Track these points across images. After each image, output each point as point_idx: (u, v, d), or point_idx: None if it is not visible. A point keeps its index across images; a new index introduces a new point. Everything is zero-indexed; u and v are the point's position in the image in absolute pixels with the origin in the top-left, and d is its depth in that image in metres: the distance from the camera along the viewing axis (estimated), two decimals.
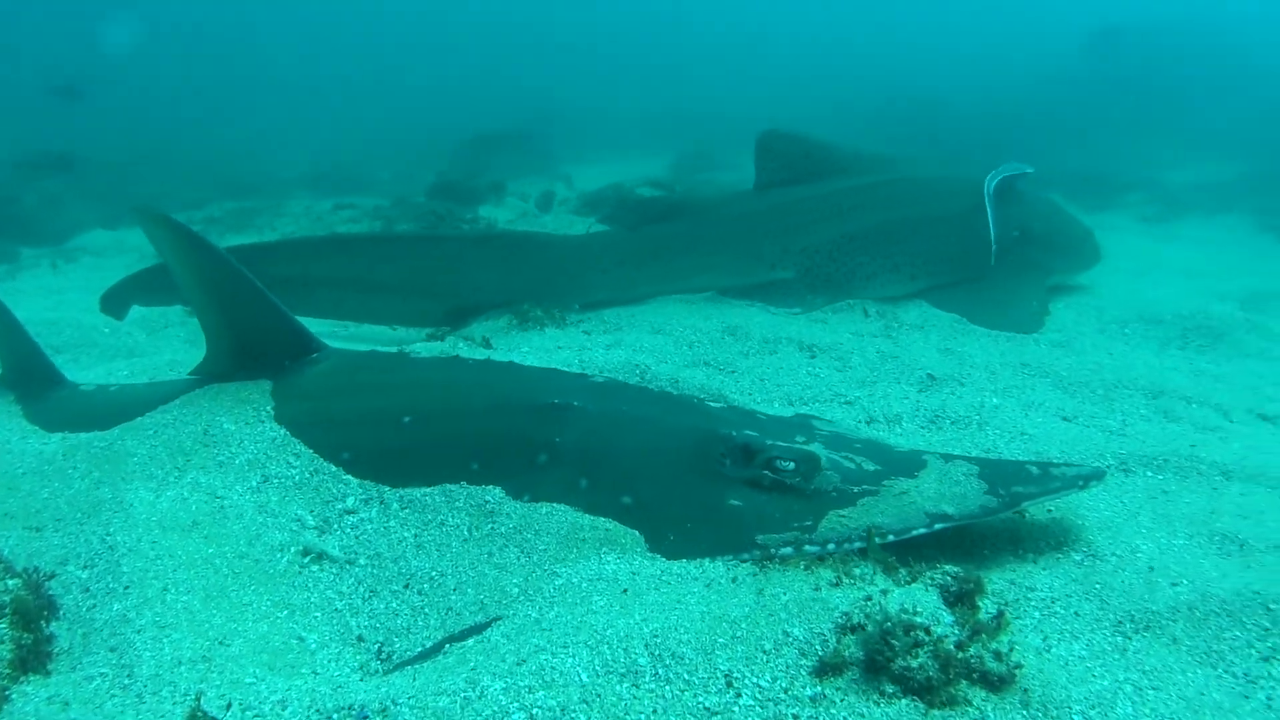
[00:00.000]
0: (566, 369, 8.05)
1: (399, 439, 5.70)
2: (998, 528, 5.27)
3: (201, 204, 21.41)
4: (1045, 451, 6.77)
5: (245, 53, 58.62)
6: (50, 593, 4.69)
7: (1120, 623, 4.51)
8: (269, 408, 6.17)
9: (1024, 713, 3.77)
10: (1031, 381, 8.52)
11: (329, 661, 4.48)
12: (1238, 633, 4.45)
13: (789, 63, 52.65)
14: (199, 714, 3.78)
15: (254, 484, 5.64)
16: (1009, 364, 8.95)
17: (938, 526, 4.72)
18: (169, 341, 10.28)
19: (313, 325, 9.31)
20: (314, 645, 4.59)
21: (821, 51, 55.02)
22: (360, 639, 4.66)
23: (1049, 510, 5.49)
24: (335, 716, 3.81)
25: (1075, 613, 4.59)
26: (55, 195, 20.93)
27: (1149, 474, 6.41)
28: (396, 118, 39.13)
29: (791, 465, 4.94)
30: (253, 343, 6.56)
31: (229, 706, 3.99)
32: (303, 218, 18.44)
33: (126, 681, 4.20)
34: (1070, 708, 3.80)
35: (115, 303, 10.75)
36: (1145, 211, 21.04)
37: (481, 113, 37.05)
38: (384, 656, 4.54)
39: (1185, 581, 4.84)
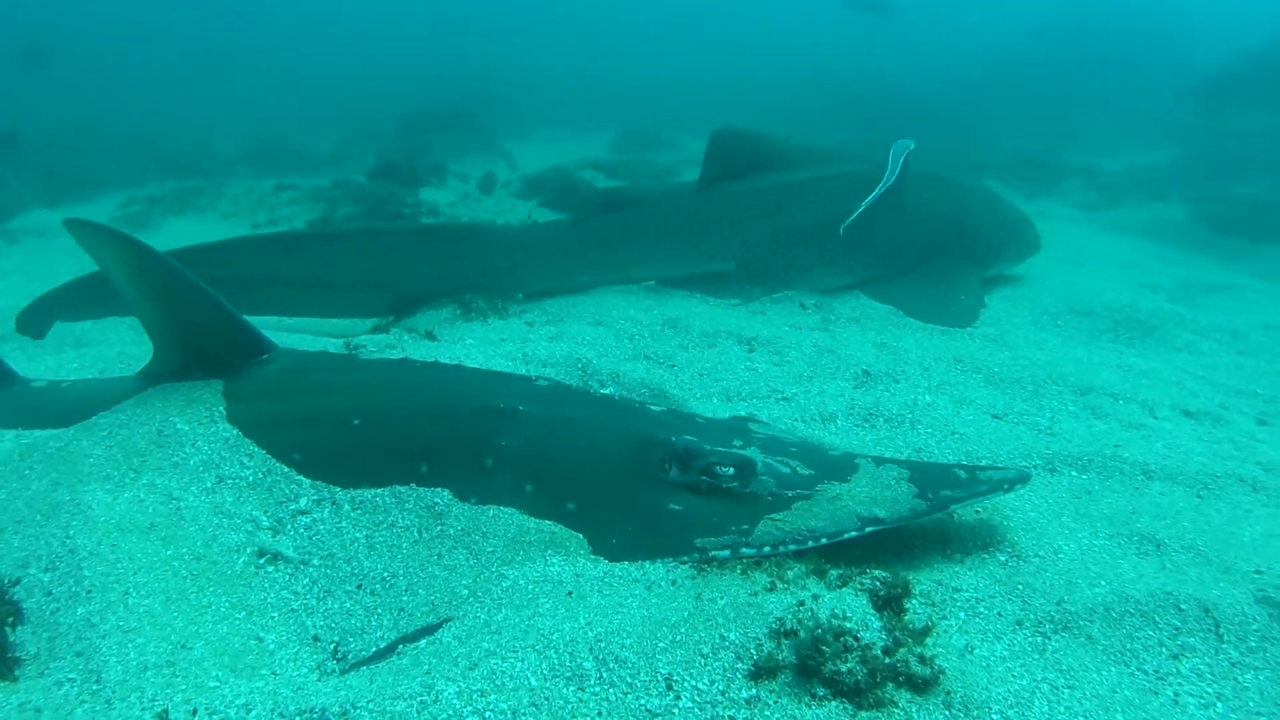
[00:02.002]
0: (510, 361, 8.20)
1: (349, 440, 5.77)
2: (927, 528, 5.44)
3: (142, 182, 21.28)
4: (975, 451, 6.95)
5: (183, 22, 58.09)
6: (15, 597, 4.73)
7: (1040, 623, 4.69)
8: (221, 408, 6.20)
9: (946, 713, 3.95)
10: (964, 378, 8.69)
11: (287, 662, 4.59)
12: (1150, 632, 4.66)
13: (735, 40, 52.76)
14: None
15: (209, 485, 5.68)
16: (943, 359, 9.10)
17: (869, 530, 4.88)
18: (116, 329, 10.16)
19: (258, 319, 9.47)
20: (272, 645, 4.68)
21: (768, 29, 55.05)
22: (316, 639, 4.77)
23: (977, 511, 5.67)
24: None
25: (998, 613, 4.77)
26: None
27: (1074, 473, 6.61)
28: (336, 86, 38.97)
29: (730, 470, 5.09)
30: (203, 343, 6.57)
31: (195, 713, 4.10)
32: (244, 199, 18.28)
33: (95, 688, 4.27)
34: (990, 707, 3.98)
35: (34, 321, 10.29)
36: (1083, 198, 21.28)
37: (422, 82, 37.03)
38: (340, 656, 4.65)
39: (1104, 582, 5.03)
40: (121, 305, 7.37)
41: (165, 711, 4.00)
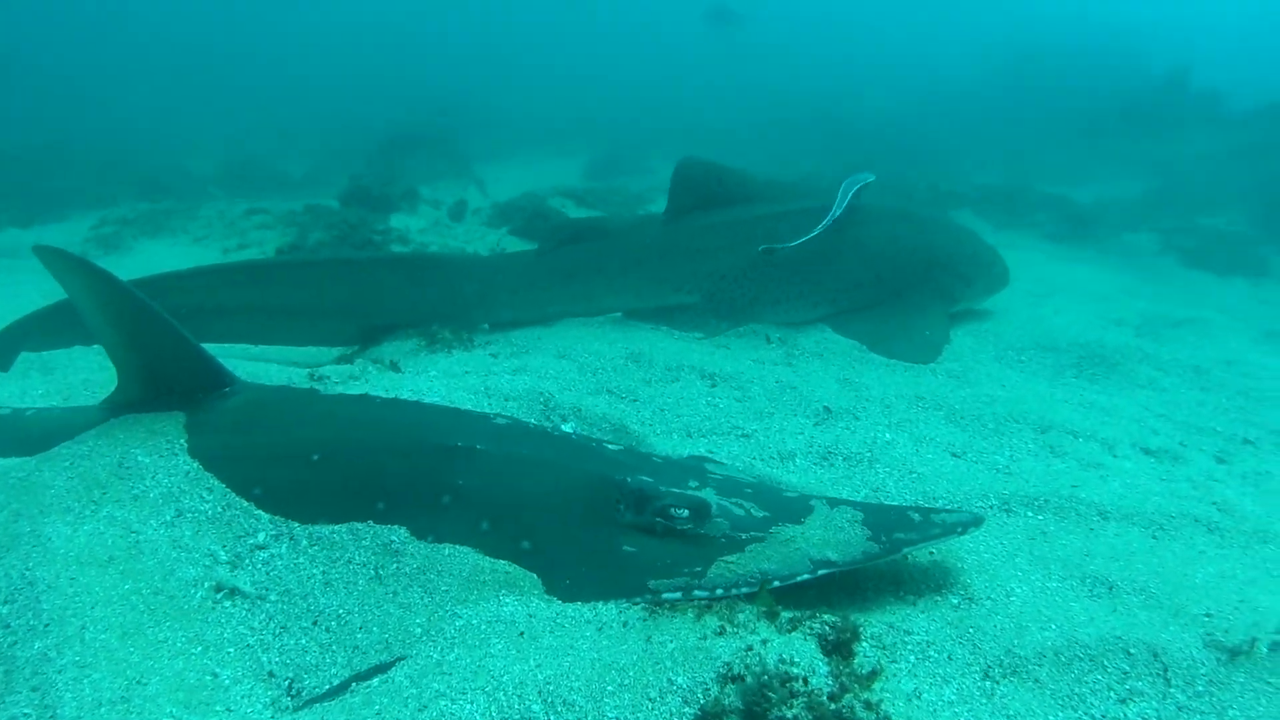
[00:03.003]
0: (472, 395, 8.21)
1: (308, 476, 5.79)
2: (882, 569, 5.47)
3: (115, 201, 21.25)
4: (932, 490, 6.99)
5: (158, 40, 58.02)
6: None
7: (990, 668, 4.74)
8: (183, 441, 6.21)
9: None
10: (925, 415, 8.73)
11: (242, 698, 4.60)
12: (1099, 676, 4.71)
13: (709, 66, 52.84)
14: None
15: (168, 518, 5.68)
16: (904, 396, 9.14)
17: (821, 573, 4.93)
18: (83, 356, 10.13)
19: (225, 347, 9.45)
20: (227, 681, 4.70)
21: (743, 57, 55.18)
22: (271, 675, 4.78)
23: (931, 552, 5.69)
24: None
25: (949, 656, 4.81)
26: None
27: (1030, 514, 6.64)
28: (312, 107, 38.95)
29: (684, 512, 5.13)
30: (165, 375, 6.58)
31: None
32: (216, 222, 18.30)
33: None
34: None
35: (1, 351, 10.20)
36: (1053, 230, 21.29)
37: (399, 104, 37.02)
38: (294, 693, 4.66)
39: (1054, 625, 5.08)
40: (88, 334, 7.37)
41: None
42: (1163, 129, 30.01)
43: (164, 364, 6.60)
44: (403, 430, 6.12)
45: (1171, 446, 8.44)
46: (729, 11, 47.75)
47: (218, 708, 4.53)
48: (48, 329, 10.18)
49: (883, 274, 11.81)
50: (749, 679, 4.07)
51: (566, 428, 7.12)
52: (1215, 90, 31.39)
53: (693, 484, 5.51)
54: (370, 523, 5.49)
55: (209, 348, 6.74)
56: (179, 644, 4.91)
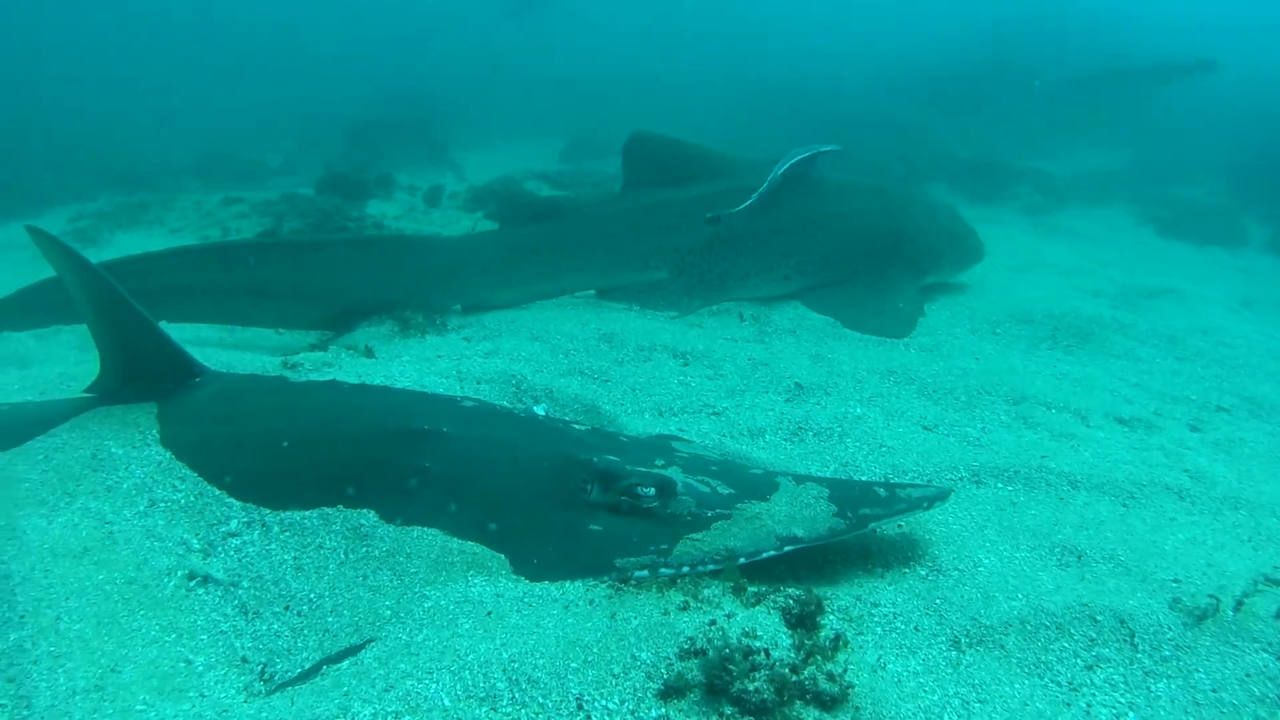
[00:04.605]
0: (444, 379, 8.24)
1: (278, 463, 5.84)
2: (850, 542, 5.50)
3: (92, 195, 21.19)
4: (902, 464, 7.03)
5: (131, 30, 57.82)
6: None
7: (956, 638, 4.79)
8: (155, 431, 6.28)
9: None
10: (897, 389, 8.78)
11: (215, 684, 4.63)
12: (1065, 644, 4.77)
13: (686, 44, 52.76)
14: None
15: (141, 508, 5.73)
16: (876, 371, 9.19)
17: (787, 549, 4.97)
18: (60, 349, 10.15)
19: (201, 331, 9.46)
20: (201, 668, 4.73)
21: (719, 33, 55.11)
22: (244, 660, 4.81)
23: (900, 525, 5.76)
24: None
25: (915, 628, 4.86)
26: None
27: (999, 485, 6.71)
28: (287, 95, 38.82)
29: (650, 490, 5.17)
30: (139, 365, 6.65)
31: None
32: (192, 213, 18.25)
33: (25, 713, 4.31)
34: None
35: None
36: (1031, 203, 21.35)
37: (372, 91, 36.94)
38: (267, 677, 4.69)
39: (1021, 595, 5.14)
40: (70, 313, 7.39)
41: None
42: (1141, 101, 30.09)
43: (136, 353, 6.66)
44: (370, 415, 6.16)
45: (1145, 415, 8.51)
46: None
47: (191, 694, 4.56)
48: (32, 306, 10.47)
49: (852, 248, 11.86)
50: (711, 653, 4.10)
51: (539, 409, 7.14)
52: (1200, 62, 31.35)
53: (659, 462, 5.55)
54: (340, 507, 5.54)
55: (181, 329, 6.77)
56: (153, 632, 4.94)
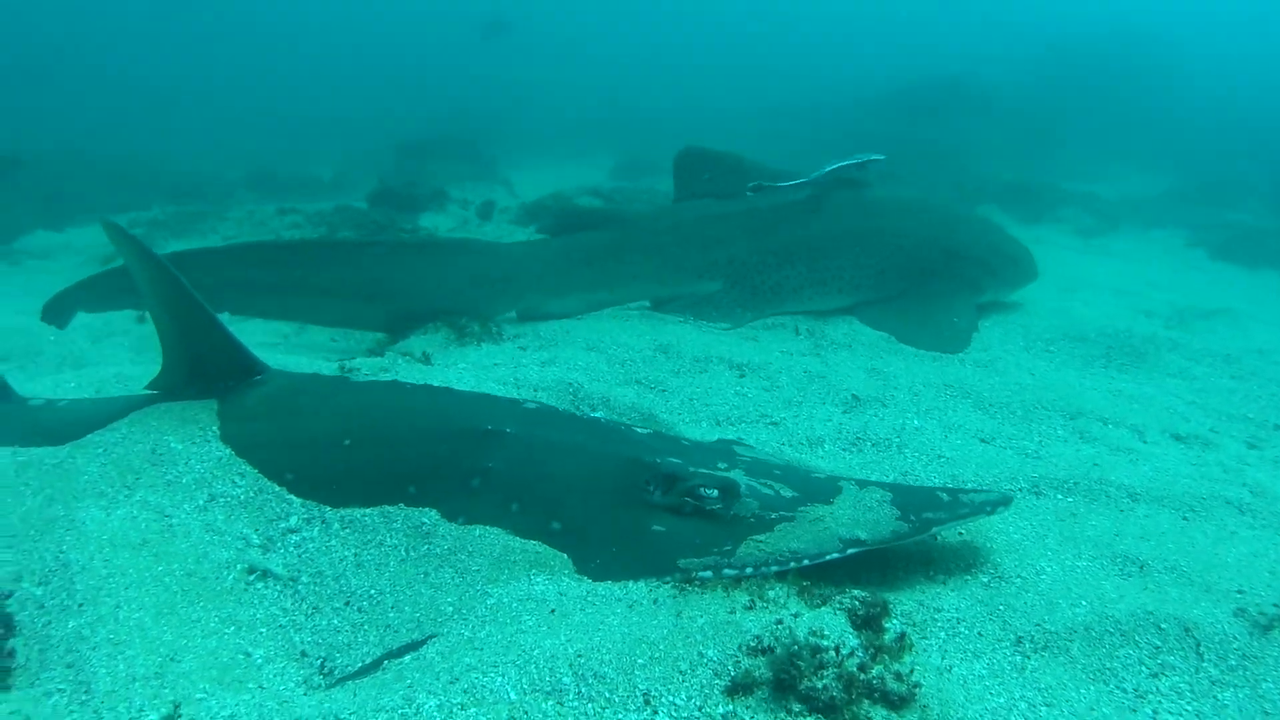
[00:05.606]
0: (502, 386, 8.25)
1: (340, 461, 5.84)
2: (911, 549, 5.49)
3: (146, 205, 21.34)
4: (961, 474, 7.00)
5: (183, 45, 58.30)
6: (8, 610, 4.79)
7: (1020, 642, 4.76)
8: (215, 428, 6.27)
9: None
10: (953, 402, 8.75)
11: (274, 676, 4.63)
12: (1130, 651, 4.72)
13: (738, 64, 52.89)
14: (174, 716, 4.01)
15: (200, 503, 5.73)
16: (932, 385, 9.16)
17: (851, 551, 4.94)
18: (114, 350, 10.28)
19: (257, 335, 9.50)
20: (260, 660, 4.73)
21: (771, 54, 55.22)
22: (304, 654, 4.81)
23: (960, 533, 5.72)
24: None
25: (979, 633, 4.83)
26: None
27: (1059, 496, 6.66)
28: (339, 111, 39.09)
29: (714, 493, 5.15)
30: (202, 362, 6.65)
31: None
32: (245, 222, 18.34)
33: (85, 698, 4.32)
34: None
35: (58, 311, 10.88)
36: (1080, 225, 21.30)
37: (426, 108, 37.14)
38: (326, 671, 4.69)
39: (1084, 602, 5.10)
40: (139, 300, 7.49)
41: (173, 713, 4.07)
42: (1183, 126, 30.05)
43: (200, 350, 6.67)
44: (433, 415, 6.16)
45: (1202, 432, 8.44)
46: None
47: (250, 685, 4.55)
48: (102, 291, 10.82)
49: (908, 264, 11.84)
50: (779, 650, 4.09)
51: (597, 416, 7.14)
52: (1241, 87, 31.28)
53: (721, 465, 5.53)
54: (401, 506, 5.54)
55: (237, 333, 6.79)
56: (212, 624, 4.94)
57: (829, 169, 11.60)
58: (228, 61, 54.22)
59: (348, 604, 5.09)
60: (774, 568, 4.88)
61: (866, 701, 4.04)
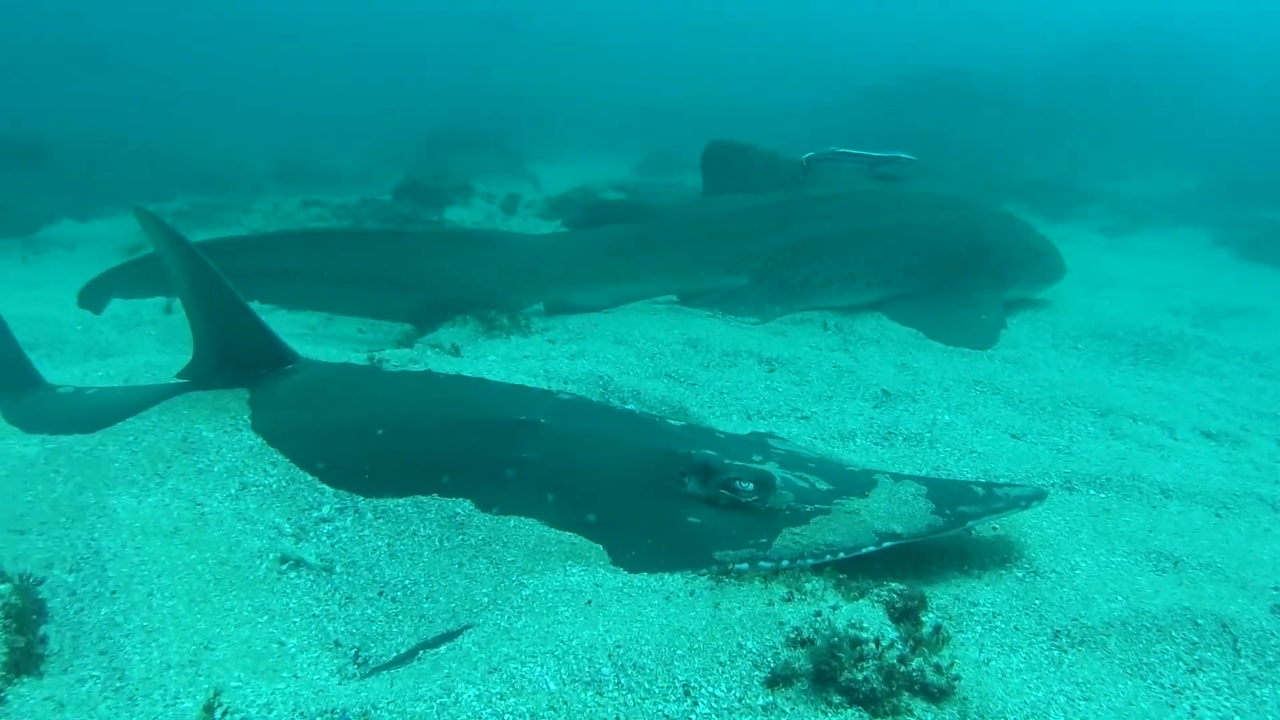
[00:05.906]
0: (531, 378, 8.24)
1: (373, 450, 5.82)
2: (945, 544, 5.46)
3: (170, 196, 21.39)
4: (993, 469, 6.98)
5: (209, 37, 58.44)
6: (40, 596, 4.80)
7: (1057, 636, 4.73)
8: (246, 416, 6.27)
9: None
10: (983, 398, 8.74)
11: (308, 665, 4.63)
12: (1167, 646, 4.69)
13: (763, 59, 52.86)
14: (214, 704, 4.01)
15: (232, 491, 5.74)
16: (962, 380, 9.15)
17: (886, 544, 4.92)
18: (141, 340, 10.31)
19: (286, 326, 9.51)
20: (294, 649, 4.73)
21: (799, 48, 55.21)
22: (338, 644, 4.81)
23: (994, 528, 5.70)
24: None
25: (1015, 627, 4.81)
26: (22, 184, 20.69)
27: (1092, 492, 6.62)
28: (364, 105, 39.17)
29: (749, 485, 5.13)
30: (233, 350, 6.65)
31: (220, 711, 4.15)
32: (271, 215, 18.44)
33: (118, 684, 4.32)
34: (1006, 717, 4.01)
35: (93, 297, 10.96)
36: (1105, 223, 21.27)
37: (450, 103, 37.18)
38: (360, 661, 4.69)
39: (1120, 598, 5.06)
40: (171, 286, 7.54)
41: (213, 699, 4.06)
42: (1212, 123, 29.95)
43: (231, 338, 6.67)
44: (466, 405, 6.15)
45: (1233, 430, 8.41)
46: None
47: (284, 673, 4.55)
48: (136, 278, 10.98)
49: (936, 260, 11.83)
50: (819, 642, 4.07)
51: (629, 409, 7.15)
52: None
53: (756, 458, 5.50)
54: (435, 495, 5.53)
55: (265, 316, 6.79)
56: (245, 612, 4.95)
57: (875, 153, 11.62)
58: (259, 56, 54.40)
59: (381, 594, 5.09)
60: (810, 561, 4.86)
61: (906, 694, 4.03)
